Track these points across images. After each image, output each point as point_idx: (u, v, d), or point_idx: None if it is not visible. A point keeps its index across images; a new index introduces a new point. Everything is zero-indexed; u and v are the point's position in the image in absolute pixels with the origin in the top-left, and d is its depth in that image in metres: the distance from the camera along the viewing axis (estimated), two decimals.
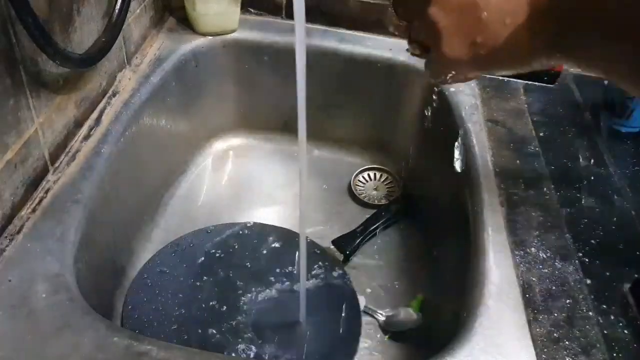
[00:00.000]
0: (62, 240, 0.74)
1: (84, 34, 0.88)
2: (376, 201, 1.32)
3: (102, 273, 0.90)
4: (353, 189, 1.34)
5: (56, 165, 0.85)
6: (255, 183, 1.36)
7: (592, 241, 0.86)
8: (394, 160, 1.38)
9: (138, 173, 1.06)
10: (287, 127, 1.42)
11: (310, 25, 1.32)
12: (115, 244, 0.97)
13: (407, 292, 1.12)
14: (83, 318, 0.65)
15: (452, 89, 1.17)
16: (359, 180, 1.37)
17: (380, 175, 1.39)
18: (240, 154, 1.42)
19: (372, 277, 1.16)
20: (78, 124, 0.91)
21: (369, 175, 1.39)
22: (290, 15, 1.33)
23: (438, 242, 1.13)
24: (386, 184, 1.38)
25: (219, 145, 1.41)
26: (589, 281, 0.79)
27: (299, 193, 1.32)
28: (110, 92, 1.01)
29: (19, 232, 0.74)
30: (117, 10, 0.91)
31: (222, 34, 1.25)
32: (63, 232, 0.75)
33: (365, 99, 1.33)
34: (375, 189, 1.36)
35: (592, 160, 1.03)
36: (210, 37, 1.24)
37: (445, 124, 1.13)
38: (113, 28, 0.90)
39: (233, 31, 1.26)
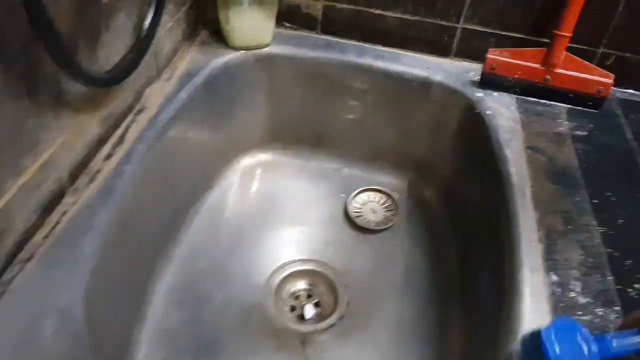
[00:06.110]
0: (74, 269, 0.72)
1: (112, 49, 0.86)
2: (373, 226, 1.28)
3: (118, 300, 0.88)
4: (348, 213, 1.29)
5: (74, 186, 0.83)
6: (282, 201, 1.32)
7: (637, 285, 0.80)
8: (430, 182, 1.34)
9: (162, 191, 1.03)
10: (319, 144, 1.39)
11: (345, 41, 1.28)
12: (134, 267, 0.95)
13: (439, 323, 1.08)
14: (89, 357, 0.62)
15: (489, 112, 1.11)
16: (355, 202, 1.33)
17: (380, 198, 1.35)
18: (268, 169, 1.39)
19: (402, 306, 1.12)
20: (101, 142, 0.89)
21: (368, 196, 1.35)
22: (325, 31, 1.29)
23: (471, 274, 1.07)
24: (384, 207, 1.33)
25: (247, 160, 1.38)
26: None
27: (327, 212, 1.31)
28: (136, 108, 0.99)
29: (29, 259, 0.72)
30: (147, 26, 0.88)
31: (255, 48, 1.22)
32: (76, 260, 0.72)
33: (401, 117, 1.29)
34: (373, 212, 1.32)
35: (639, 194, 0.96)
36: (243, 52, 1.21)
37: (482, 149, 1.08)
38: (142, 44, 0.88)
39: (266, 46, 1.23)
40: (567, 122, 1.12)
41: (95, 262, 0.76)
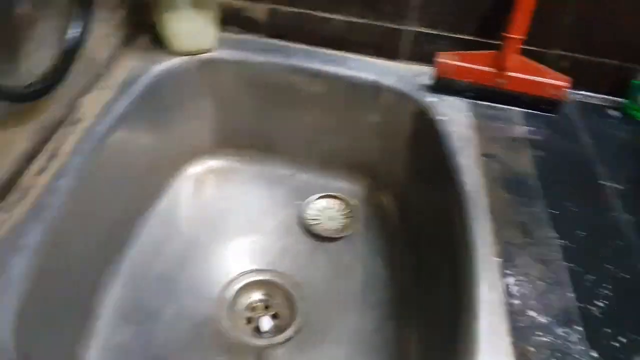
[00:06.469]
0: (1, 295, 0.66)
1: (35, 61, 0.78)
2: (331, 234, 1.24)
3: (59, 321, 0.82)
4: (305, 221, 1.25)
5: (2, 205, 0.76)
6: (235, 209, 1.27)
7: (599, 302, 0.77)
8: (387, 189, 1.30)
9: (103, 205, 0.97)
10: (272, 149, 1.34)
11: (292, 45, 1.23)
12: (76, 284, 0.89)
13: (397, 337, 1.04)
14: None
15: (441, 118, 1.08)
16: (311, 209, 1.28)
17: (339, 204, 1.31)
18: (220, 176, 1.33)
19: (360, 318, 1.08)
20: (30, 157, 0.82)
21: (327, 202, 1.31)
22: (271, 34, 1.24)
23: (429, 285, 1.04)
24: (342, 214, 1.29)
25: (198, 168, 1.32)
26: (595, 354, 0.70)
27: (282, 220, 1.26)
28: (71, 119, 0.92)
29: None
30: (73, 34, 0.82)
31: (198, 54, 1.16)
32: (4, 285, 0.67)
33: (352, 122, 1.24)
34: (331, 220, 1.27)
35: (599, 203, 0.94)
36: (185, 57, 1.14)
37: (436, 156, 1.04)
38: (69, 54, 0.81)
39: (210, 50, 1.17)
40: (522, 127, 1.09)
41: (28, 285, 0.70)
